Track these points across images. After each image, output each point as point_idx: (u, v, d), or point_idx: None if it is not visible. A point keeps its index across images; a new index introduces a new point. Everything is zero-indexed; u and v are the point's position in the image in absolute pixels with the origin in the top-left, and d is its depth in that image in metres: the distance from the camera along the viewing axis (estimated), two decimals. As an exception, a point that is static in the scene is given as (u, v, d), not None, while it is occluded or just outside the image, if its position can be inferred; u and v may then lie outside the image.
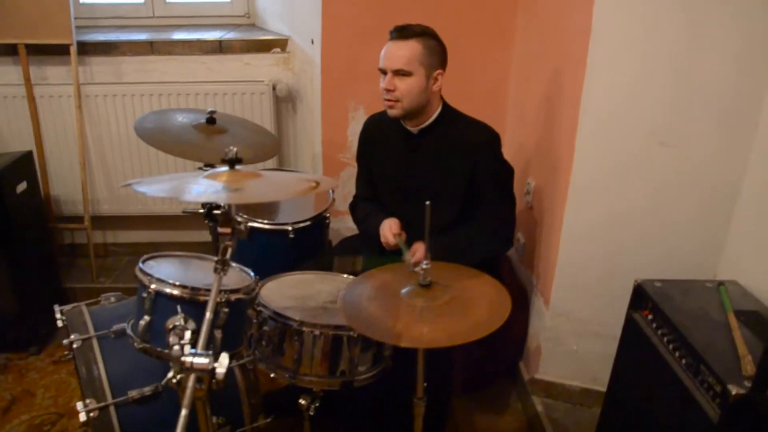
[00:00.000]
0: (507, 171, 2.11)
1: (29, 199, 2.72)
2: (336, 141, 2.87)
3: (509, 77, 2.77)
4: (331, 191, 2.52)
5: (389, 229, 2.03)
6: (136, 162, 3.02)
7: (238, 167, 1.31)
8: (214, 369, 1.03)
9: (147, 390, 1.68)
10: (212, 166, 2.17)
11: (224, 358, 1.04)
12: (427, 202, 1.50)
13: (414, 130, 2.07)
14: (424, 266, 1.48)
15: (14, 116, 2.94)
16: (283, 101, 3.04)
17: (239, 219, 2.23)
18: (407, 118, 2.02)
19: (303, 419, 1.85)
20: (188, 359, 1.04)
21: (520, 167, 2.51)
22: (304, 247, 2.28)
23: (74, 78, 2.84)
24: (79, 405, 1.67)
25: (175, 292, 1.45)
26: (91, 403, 1.66)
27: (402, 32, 1.91)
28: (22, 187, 2.63)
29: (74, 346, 1.74)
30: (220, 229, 1.20)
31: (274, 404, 2.06)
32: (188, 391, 1.01)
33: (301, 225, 2.27)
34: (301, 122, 3.09)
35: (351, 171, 2.89)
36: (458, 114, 2.09)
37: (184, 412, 0.98)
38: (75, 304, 1.89)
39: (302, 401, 1.82)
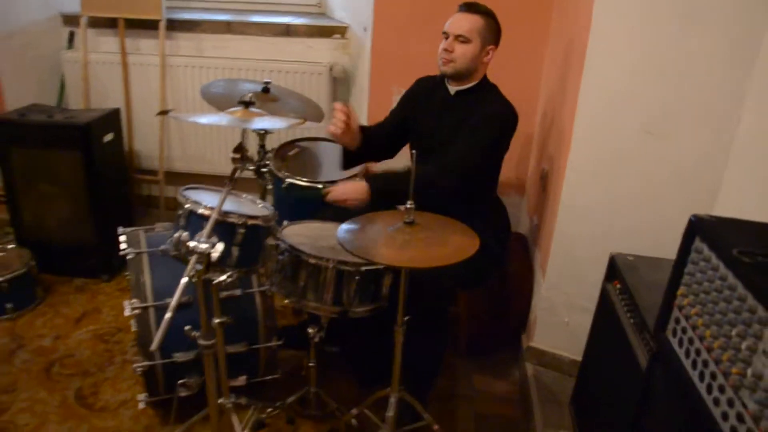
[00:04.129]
0: (491, 136, 2.22)
1: (114, 148, 3.17)
2: (379, 120, 3.14)
3: (541, 75, 2.97)
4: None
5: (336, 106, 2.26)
6: (206, 126, 3.39)
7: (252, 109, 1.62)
8: (210, 253, 1.34)
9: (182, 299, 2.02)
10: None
11: (220, 245, 1.35)
12: (413, 151, 1.76)
13: (452, 89, 2.30)
14: (408, 206, 1.74)
15: (109, 79, 3.42)
16: (339, 82, 3.36)
17: (283, 176, 2.59)
18: (454, 78, 2.26)
19: (309, 347, 2.16)
20: (191, 243, 1.35)
21: (540, 155, 2.72)
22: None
23: (161, 50, 3.28)
24: (126, 303, 2.05)
25: (205, 212, 1.77)
26: (135, 303, 2.04)
27: (470, 7, 2.20)
28: (108, 137, 3.08)
29: (128, 257, 2.12)
30: (231, 154, 1.52)
31: (287, 336, 2.36)
32: (191, 266, 1.33)
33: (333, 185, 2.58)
34: (353, 102, 3.40)
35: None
36: (494, 89, 2.30)
37: (184, 279, 1.29)
38: (134, 228, 2.27)
39: (310, 330, 2.13)
